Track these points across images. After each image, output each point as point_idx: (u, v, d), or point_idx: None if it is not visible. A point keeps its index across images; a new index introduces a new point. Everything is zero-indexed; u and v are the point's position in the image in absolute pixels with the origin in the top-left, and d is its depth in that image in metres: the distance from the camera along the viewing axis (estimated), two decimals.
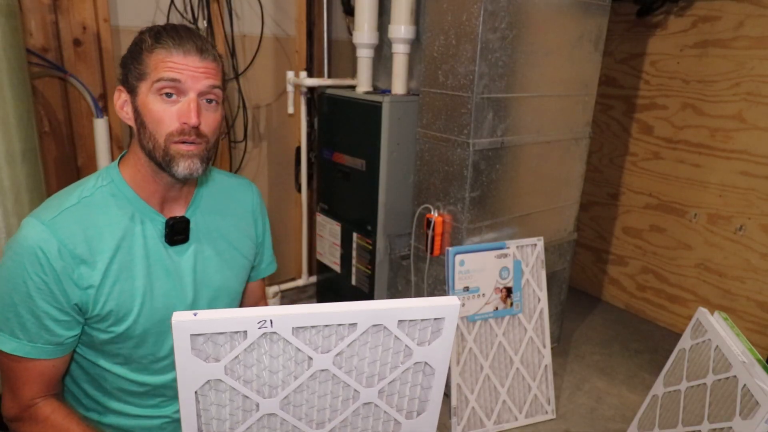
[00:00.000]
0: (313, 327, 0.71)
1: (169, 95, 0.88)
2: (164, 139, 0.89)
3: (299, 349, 0.72)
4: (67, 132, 2.00)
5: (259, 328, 0.68)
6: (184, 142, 0.90)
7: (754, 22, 2.14)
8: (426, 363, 0.79)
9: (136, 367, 1.00)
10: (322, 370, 0.75)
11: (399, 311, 0.73)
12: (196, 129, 0.90)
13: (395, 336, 0.75)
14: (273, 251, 1.25)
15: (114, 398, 1.02)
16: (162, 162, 0.91)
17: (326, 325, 0.71)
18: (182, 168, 0.90)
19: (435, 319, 0.75)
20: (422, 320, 0.75)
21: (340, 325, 0.72)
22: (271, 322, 0.68)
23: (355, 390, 0.78)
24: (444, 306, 0.74)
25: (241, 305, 1.25)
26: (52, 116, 1.95)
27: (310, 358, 0.73)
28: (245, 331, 0.68)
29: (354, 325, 0.72)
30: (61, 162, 2.00)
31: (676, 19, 2.40)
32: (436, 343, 0.77)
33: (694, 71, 2.37)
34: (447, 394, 1.79)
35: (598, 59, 2.04)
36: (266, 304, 1.27)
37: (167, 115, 0.89)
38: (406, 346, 0.76)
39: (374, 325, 0.73)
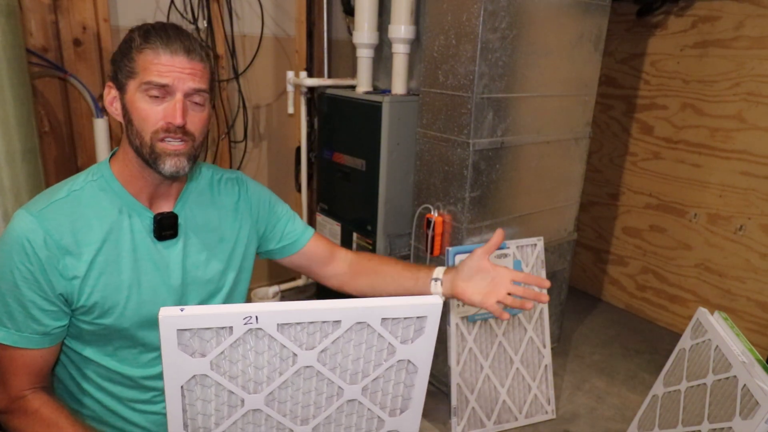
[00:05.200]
0: (298, 324, 0.72)
1: (157, 95, 0.90)
2: (150, 136, 0.91)
3: (284, 346, 0.73)
4: (67, 132, 2.00)
5: (245, 323, 0.69)
6: (169, 140, 0.91)
7: (754, 22, 2.14)
8: (409, 361, 0.80)
9: (125, 359, 1.01)
10: (307, 367, 0.76)
11: (382, 309, 0.74)
12: (183, 128, 0.92)
13: (378, 334, 0.76)
14: (297, 219, 1.23)
15: (105, 392, 1.03)
16: (149, 159, 0.92)
17: (311, 322, 0.72)
18: (168, 166, 0.92)
19: (418, 317, 0.76)
20: (405, 318, 0.76)
21: (324, 322, 0.73)
22: (257, 318, 0.69)
23: (339, 387, 0.79)
24: (426, 304, 0.75)
25: (317, 270, 1.25)
26: (52, 116, 1.95)
27: (295, 355, 0.74)
28: (231, 327, 0.69)
29: (338, 322, 0.73)
30: (61, 162, 2.00)
31: (676, 19, 2.40)
32: (419, 341, 0.78)
33: (694, 71, 2.37)
34: (447, 394, 1.79)
35: (598, 59, 2.04)
36: (335, 247, 1.26)
37: (153, 114, 0.91)
38: (389, 343, 0.77)
39: (358, 323, 0.74)
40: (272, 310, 0.70)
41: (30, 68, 1.62)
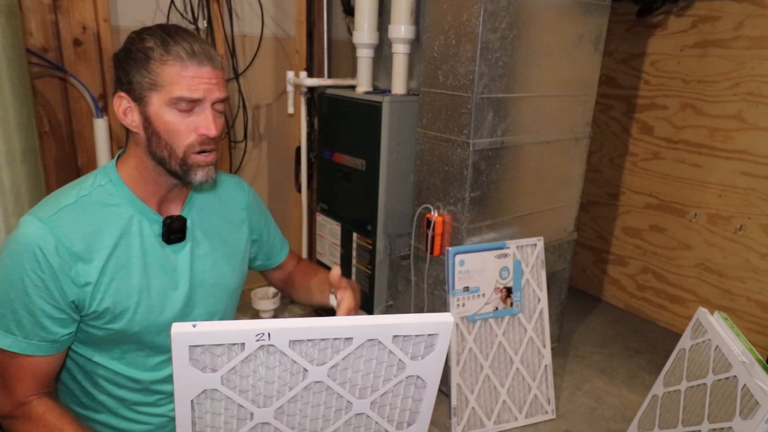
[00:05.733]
0: (309, 340, 0.72)
1: (187, 108, 0.90)
2: (183, 150, 0.91)
3: (295, 361, 0.73)
4: (67, 132, 2.00)
5: (257, 340, 0.69)
6: (203, 152, 0.93)
7: (754, 22, 2.14)
8: (418, 376, 0.81)
9: (132, 363, 1.01)
10: (317, 382, 0.76)
11: (394, 327, 0.74)
12: (214, 138, 0.93)
13: (389, 350, 0.76)
14: (280, 234, 1.31)
15: (110, 396, 1.02)
16: (179, 171, 0.93)
17: (322, 339, 0.72)
18: (200, 176, 0.94)
19: (429, 334, 0.77)
20: (416, 336, 0.76)
21: (336, 339, 0.73)
22: (269, 335, 0.69)
23: (348, 401, 0.80)
24: (438, 323, 0.75)
25: (287, 284, 1.33)
26: (52, 116, 1.95)
27: (306, 370, 0.74)
28: (243, 343, 0.69)
29: (350, 339, 0.73)
30: (61, 162, 2.00)
31: (676, 19, 2.40)
32: (429, 357, 0.78)
33: (694, 71, 2.37)
34: (447, 394, 1.79)
35: (598, 59, 2.04)
36: (305, 262, 1.37)
37: (183, 127, 0.90)
38: (399, 360, 0.78)
39: (369, 340, 0.74)
40: (285, 327, 0.70)
41: (30, 68, 1.62)
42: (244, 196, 1.17)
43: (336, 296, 1.16)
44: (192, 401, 0.72)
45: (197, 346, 0.68)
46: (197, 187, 1.07)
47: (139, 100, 0.91)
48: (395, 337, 0.75)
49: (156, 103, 0.89)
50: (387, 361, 0.77)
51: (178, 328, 0.66)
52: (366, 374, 0.78)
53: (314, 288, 1.28)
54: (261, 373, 0.73)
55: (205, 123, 0.91)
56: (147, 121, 0.91)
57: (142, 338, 0.98)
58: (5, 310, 0.90)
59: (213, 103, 0.92)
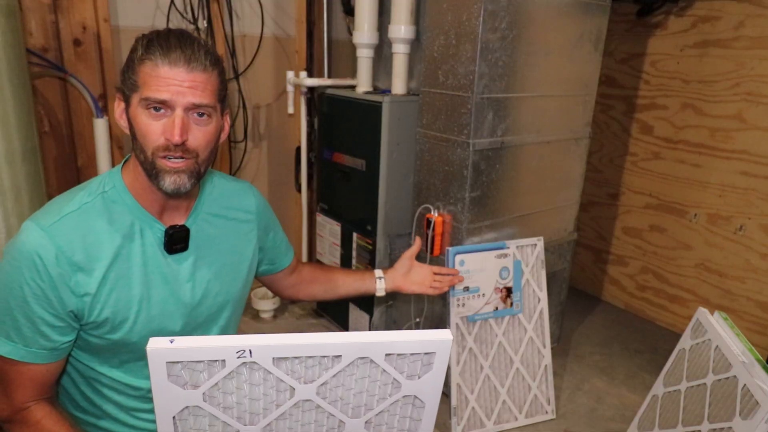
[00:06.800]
0: (295, 357, 0.69)
1: (157, 109, 0.87)
2: (151, 152, 0.88)
3: (281, 379, 0.70)
4: (67, 132, 2.00)
5: (238, 357, 0.66)
6: (169, 158, 0.89)
7: (754, 22, 2.14)
8: (416, 396, 0.76)
9: (131, 371, 1.00)
10: (306, 400, 0.73)
11: (386, 345, 0.70)
12: (183, 145, 0.88)
13: (383, 369, 0.72)
14: (286, 238, 1.30)
15: (111, 402, 1.02)
16: (150, 175, 0.90)
17: (309, 357, 0.69)
18: (168, 183, 0.90)
19: (426, 353, 0.72)
20: (412, 354, 0.72)
21: (324, 356, 0.69)
22: (251, 352, 0.66)
23: (341, 420, 0.76)
24: (435, 341, 0.71)
25: (279, 284, 1.33)
26: (52, 116, 1.95)
27: (293, 388, 0.71)
28: (223, 360, 0.67)
29: (338, 357, 0.70)
30: (61, 162, 2.00)
31: (676, 19, 2.40)
32: (426, 377, 0.74)
33: (694, 71, 2.37)
34: (447, 394, 1.79)
35: (598, 59, 2.04)
36: (312, 266, 1.41)
37: (152, 129, 0.88)
38: (394, 379, 0.74)
39: (360, 357, 0.71)
40: (267, 345, 0.67)
41: (30, 68, 1.62)
42: (252, 202, 1.15)
43: (385, 280, 1.39)
44: (174, 418, 0.70)
45: (176, 362, 0.66)
46: (204, 195, 1.05)
47: (127, 101, 0.91)
48: (388, 355, 0.71)
49: (134, 103, 0.89)
50: (381, 379, 0.73)
51: (154, 344, 0.64)
52: (358, 393, 0.74)
53: (349, 279, 1.35)
54: (245, 390, 0.70)
55: (171, 128, 0.86)
56: (130, 122, 0.91)
57: (141, 348, 0.97)
58: (5, 317, 0.89)
59: (188, 109, 0.87)
